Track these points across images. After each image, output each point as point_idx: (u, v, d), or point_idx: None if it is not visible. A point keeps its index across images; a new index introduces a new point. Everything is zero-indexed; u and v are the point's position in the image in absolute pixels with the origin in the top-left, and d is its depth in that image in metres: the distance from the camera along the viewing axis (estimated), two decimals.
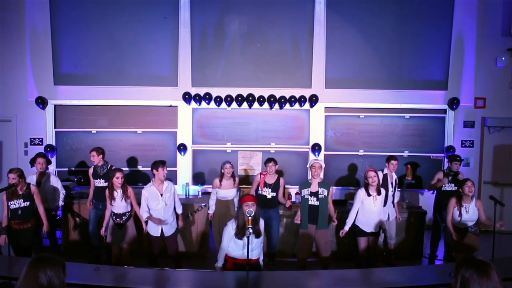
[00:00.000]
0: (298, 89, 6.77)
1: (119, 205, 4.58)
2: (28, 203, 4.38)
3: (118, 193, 4.56)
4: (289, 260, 5.39)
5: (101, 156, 5.35)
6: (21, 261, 3.73)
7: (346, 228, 4.66)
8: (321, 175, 4.73)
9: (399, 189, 5.55)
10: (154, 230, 4.62)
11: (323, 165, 4.68)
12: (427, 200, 6.67)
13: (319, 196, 4.56)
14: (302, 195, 4.64)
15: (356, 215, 4.66)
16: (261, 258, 3.80)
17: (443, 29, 6.72)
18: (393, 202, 5.26)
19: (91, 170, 5.40)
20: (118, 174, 4.53)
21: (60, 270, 1.85)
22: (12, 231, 4.40)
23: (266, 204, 5.04)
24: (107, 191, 4.61)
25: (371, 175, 4.56)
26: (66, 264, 1.91)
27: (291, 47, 6.80)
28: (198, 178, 6.94)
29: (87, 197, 5.51)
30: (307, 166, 4.72)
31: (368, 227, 4.62)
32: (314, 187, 4.60)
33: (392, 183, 5.26)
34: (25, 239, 4.42)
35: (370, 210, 4.57)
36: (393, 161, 5.30)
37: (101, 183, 5.28)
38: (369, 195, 4.58)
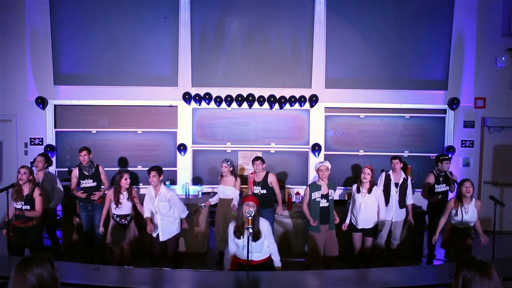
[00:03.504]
0: (298, 89, 6.77)
1: (125, 207, 4.57)
2: (28, 206, 4.38)
3: (124, 195, 4.56)
4: (289, 260, 5.37)
5: (91, 155, 5.31)
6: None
7: (347, 221, 4.86)
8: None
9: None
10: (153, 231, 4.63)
11: (329, 166, 4.69)
12: (426, 200, 6.67)
13: (329, 197, 4.64)
14: (313, 198, 4.64)
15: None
16: (277, 260, 3.71)
17: (443, 29, 6.72)
18: (399, 202, 5.21)
19: (76, 171, 5.26)
20: (126, 175, 4.53)
21: (48, 265, 1.84)
22: (16, 230, 4.40)
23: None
24: (111, 194, 4.57)
25: (365, 171, 4.66)
26: (53, 258, 1.89)
27: (291, 47, 6.79)
28: (198, 178, 6.94)
29: (76, 198, 5.39)
30: (315, 169, 4.74)
31: (359, 223, 4.73)
32: (324, 190, 4.64)
33: (396, 184, 5.21)
34: (30, 238, 4.42)
35: (358, 206, 4.69)
36: (393, 160, 5.28)
37: (89, 183, 5.22)
38: (358, 191, 4.68)
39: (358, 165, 6.90)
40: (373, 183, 4.71)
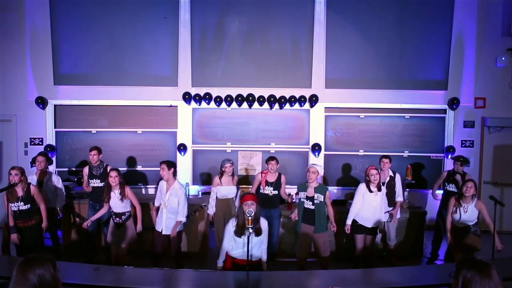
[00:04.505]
0: (298, 89, 6.77)
1: (116, 205, 4.58)
2: (28, 205, 4.37)
3: (115, 193, 4.57)
4: (289, 260, 5.39)
5: (100, 155, 5.35)
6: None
7: (349, 221, 4.76)
8: (319, 180, 4.71)
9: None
10: (157, 224, 4.67)
11: (320, 171, 4.66)
12: (427, 200, 6.67)
13: (315, 201, 4.59)
14: (299, 197, 4.69)
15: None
16: (264, 258, 3.79)
17: (443, 29, 6.71)
18: (388, 201, 5.20)
19: (86, 170, 5.36)
20: (112, 173, 4.56)
21: (50, 266, 1.84)
22: (20, 231, 4.40)
23: (268, 203, 5.06)
24: (105, 190, 4.64)
25: (373, 173, 4.63)
26: (55, 259, 1.89)
27: (291, 47, 6.79)
28: (198, 178, 6.93)
29: (87, 197, 5.50)
30: (306, 169, 4.74)
31: (367, 222, 4.70)
32: (310, 192, 4.62)
33: (383, 183, 5.19)
34: (30, 237, 4.42)
35: (370, 205, 4.66)
36: (383, 159, 5.28)
37: (96, 183, 5.26)
38: (370, 191, 4.65)
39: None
40: (379, 183, 4.71)
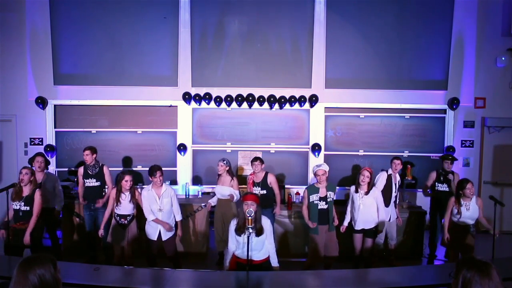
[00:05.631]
0: (298, 89, 6.77)
1: (125, 207, 4.58)
2: (27, 208, 4.36)
3: (125, 195, 4.57)
4: (290, 260, 5.39)
5: (94, 155, 5.32)
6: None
7: (345, 223, 4.85)
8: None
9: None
10: (152, 234, 4.61)
11: (327, 169, 4.67)
12: (427, 200, 6.66)
13: (328, 199, 4.62)
14: (311, 200, 4.63)
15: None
16: (275, 263, 3.72)
17: (443, 29, 6.72)
18: (394, 202, 5.27)
19: (81, 170, 5.34)
20: (127, 177, 4.54)
21: (50, 266, 1.84)
22: (16, 232, 4.39)
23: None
24: (113, 193, 4.59)
25: (364, 173, 4.65)
26: (55, 259, 1.89)
27: (291, 47, 6.79)
28: (198, 178, 6.94)
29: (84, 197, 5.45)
30: (313, 173, 4.74)
31: (356, 224, 4.73)
32: (322, 192, 4.63)
33: (395, 184, 5.25)
34: (31, 239, 4.41)
35: (356, 206, 4.70)
36: (395, 161, 5.30)
37: (92, 182, 5.25)
38: (357, 191, 4.69)
39: (357, 165, 6.89)
40: (371, 185, 4.71)
